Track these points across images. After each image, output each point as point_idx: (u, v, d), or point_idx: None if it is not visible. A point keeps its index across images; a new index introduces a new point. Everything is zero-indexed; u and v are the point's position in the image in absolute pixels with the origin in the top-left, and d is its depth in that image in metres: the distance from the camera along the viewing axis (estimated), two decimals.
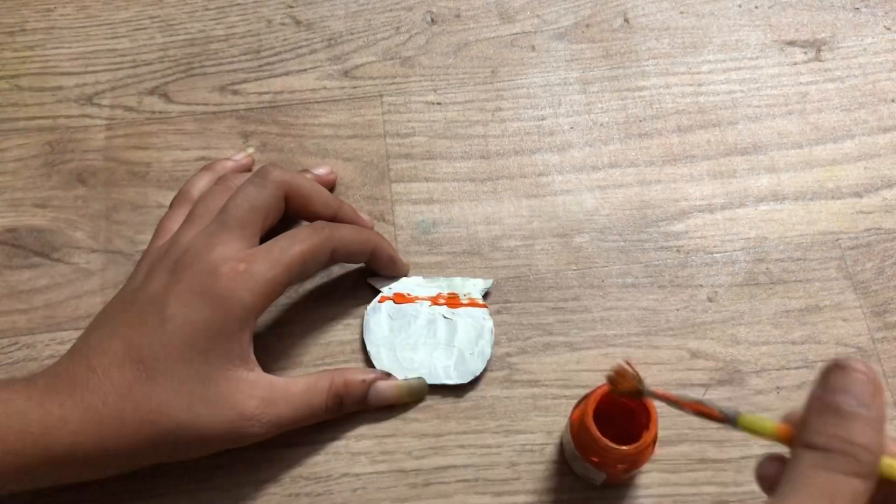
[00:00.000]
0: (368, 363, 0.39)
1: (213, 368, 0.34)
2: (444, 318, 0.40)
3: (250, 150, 0.44)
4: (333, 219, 0.40)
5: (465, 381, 0.39)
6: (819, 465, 0.23)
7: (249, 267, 0.34)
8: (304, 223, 0.39)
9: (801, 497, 0.23)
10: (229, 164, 0.43)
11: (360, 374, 0.38)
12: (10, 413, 0.31)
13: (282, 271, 0.35)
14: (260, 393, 0.35)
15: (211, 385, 0.34)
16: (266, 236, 0.37)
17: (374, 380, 0.38)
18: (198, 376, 0.33)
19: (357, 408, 0.38)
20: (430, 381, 0.39)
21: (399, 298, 0.40)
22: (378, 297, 0.40)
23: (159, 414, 0.33)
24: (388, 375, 0.38)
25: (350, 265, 0.42)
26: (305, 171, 0.43)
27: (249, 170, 0.43)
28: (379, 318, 0.40)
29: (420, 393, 0.38)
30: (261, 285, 0.34)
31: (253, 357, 0.35)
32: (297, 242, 0.36)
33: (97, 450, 0.32)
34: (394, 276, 0.41)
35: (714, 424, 0.38)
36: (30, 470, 0.31)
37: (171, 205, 0.41)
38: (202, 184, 0.41)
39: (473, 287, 0.41)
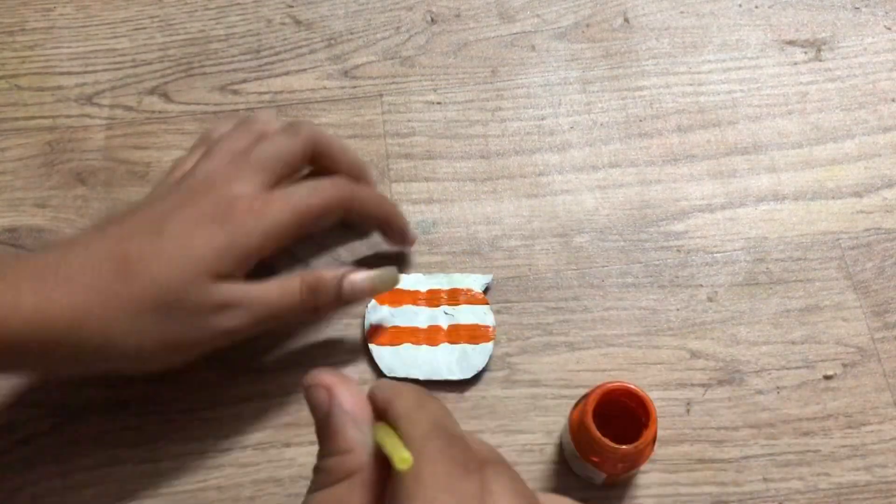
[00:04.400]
0: (371, 363, 0.39)
1: (196, 276, 0.33)
2: (446, 314, 0.40)
3: (273, 113, 0.45)
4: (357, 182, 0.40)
5: (467, 376, 0.39)
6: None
7: (265, 207, 0.35)
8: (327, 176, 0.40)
9: None
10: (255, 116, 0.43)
11: (330, 271, 0.37)
12: None
13: (295, 219, 0.35)
14: (240, 290, 0.34)
15: (190, 289, 0.33)
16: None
17: (345, 273, 0.37)
18: (179, 280, 0.33)
19: (334, 305, 0.37)
20: (432, 377, 0.39)
21: (397, 296, 0.40)
22: (376, 296, 0.40)
23: (127, 312, 0.32)
24: (357, 269, 0.37)
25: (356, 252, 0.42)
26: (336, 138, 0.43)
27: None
28: (380, 315, 0.40)
29: (390, 280, 0.38)
30: (272, 227, 0.34)
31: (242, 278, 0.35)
32: (317, 195, 0.36)
33: (51, 344, 0.31)
34: (400, 248, 0.42)
35: (712, 424, 0.38)
36: None
37: (192, 148, 0.40)
38: (224, 129, 0.41)
39: (474, 282, 0.41)
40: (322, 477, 0.21)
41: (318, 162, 0.39)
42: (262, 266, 0.36)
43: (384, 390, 0.22)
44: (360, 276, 0.37)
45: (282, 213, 0.35)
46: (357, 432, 0.21)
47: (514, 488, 0.20)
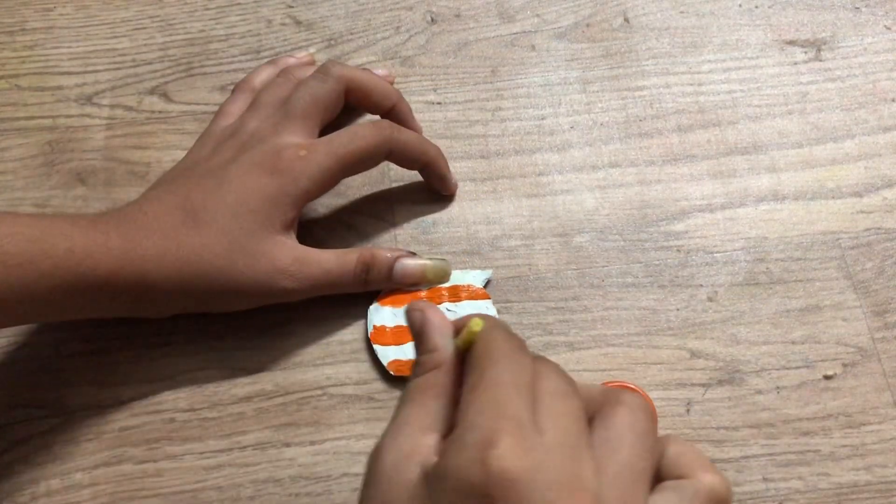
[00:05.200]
0: (374, 363, 0.39)
1: (257, 226, 0.37)
2: (448, 311, 0.40)
3: (312, 51, 0.47)
4: (391, 110, 0.42)
5: None
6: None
7: (310, 155, 0.37)
8: (369, 118, 0.43)
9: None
10: (291, 60, 0.45)
11: (387, 251, 0.40)
12: (55, 234, 0.33)
13: (338, 163, 0.38)
14: (295, 254, 0.38)
15: (252, 240, 0.36)
16: (327, 129, 0.40)
17: (400, 256, 0.40)
18: (241, 230, 0.36)
19: (383, 282, 0.40)
20: None
21: (399, 298, 0.40)
22: (378, 298, 0.40)
23: (199, 256, 0.36)
24: (412, 254, 0.40)
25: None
26: (366, 69, 0.44)
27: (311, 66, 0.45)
28: (383, 317, 0.40)
29: (442, 273, 0.40)
30: (317, 173, 0.37)
31: (294, 233, 0.38)
32: (358, 139, 0.39)
33: (136, 282, 0.35)
34: (441, 193, 0.43)
35: (712, 424, 0.38)
36: (70, 294, 0.33)
37: (234, 91, 0.43)
38: (265, 75, 0.43)
39: (473, 278, 0.41)
40: (419, 368, 0.27)
41: (352, 97, 0.41)
42: (317, 234, 0.38)
43: (461, 317, 0.28)
44: (413, 262, 0.40)
45: (326, 159, 0.38)
46: (441, 338, 0.27)
47: (558, 370, 0.26)
